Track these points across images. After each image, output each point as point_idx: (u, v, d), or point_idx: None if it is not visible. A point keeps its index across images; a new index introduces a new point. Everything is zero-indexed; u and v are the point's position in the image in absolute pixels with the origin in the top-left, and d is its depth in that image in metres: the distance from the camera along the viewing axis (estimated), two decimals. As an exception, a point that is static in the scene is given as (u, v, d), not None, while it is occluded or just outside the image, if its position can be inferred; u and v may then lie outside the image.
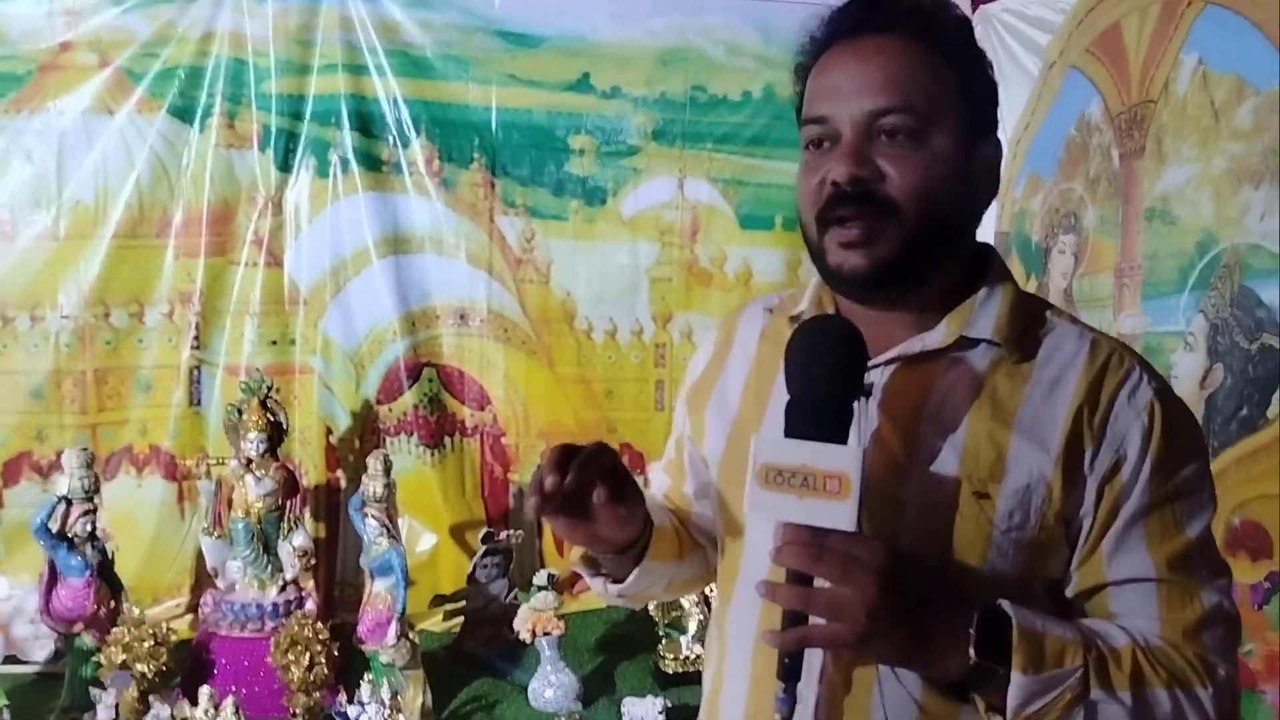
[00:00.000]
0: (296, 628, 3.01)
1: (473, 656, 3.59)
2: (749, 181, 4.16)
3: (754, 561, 1.01)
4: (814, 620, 0.83)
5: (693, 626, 3.54)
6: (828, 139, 0.96)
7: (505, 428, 4.08)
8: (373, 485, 3.26)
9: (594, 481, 0.98)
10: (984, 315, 0.97)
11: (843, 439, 0.86)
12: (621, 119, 4.02)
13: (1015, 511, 0.91)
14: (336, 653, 3.08)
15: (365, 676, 2.93)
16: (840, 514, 0.82)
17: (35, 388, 3.66)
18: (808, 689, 0.90)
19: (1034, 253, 3.51)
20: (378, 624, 3.23)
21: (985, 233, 3.41)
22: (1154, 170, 2.82)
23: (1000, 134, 3.30)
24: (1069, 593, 0.94)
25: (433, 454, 3.96)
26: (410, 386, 3.94)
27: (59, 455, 3.65)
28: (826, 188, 0.94)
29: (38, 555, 3.40)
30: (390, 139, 3.88)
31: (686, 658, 3.50)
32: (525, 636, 3.33)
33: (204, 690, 2.66)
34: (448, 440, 4.02)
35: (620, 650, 3.73)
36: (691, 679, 3.46)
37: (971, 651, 0.84)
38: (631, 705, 3.16)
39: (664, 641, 3.58)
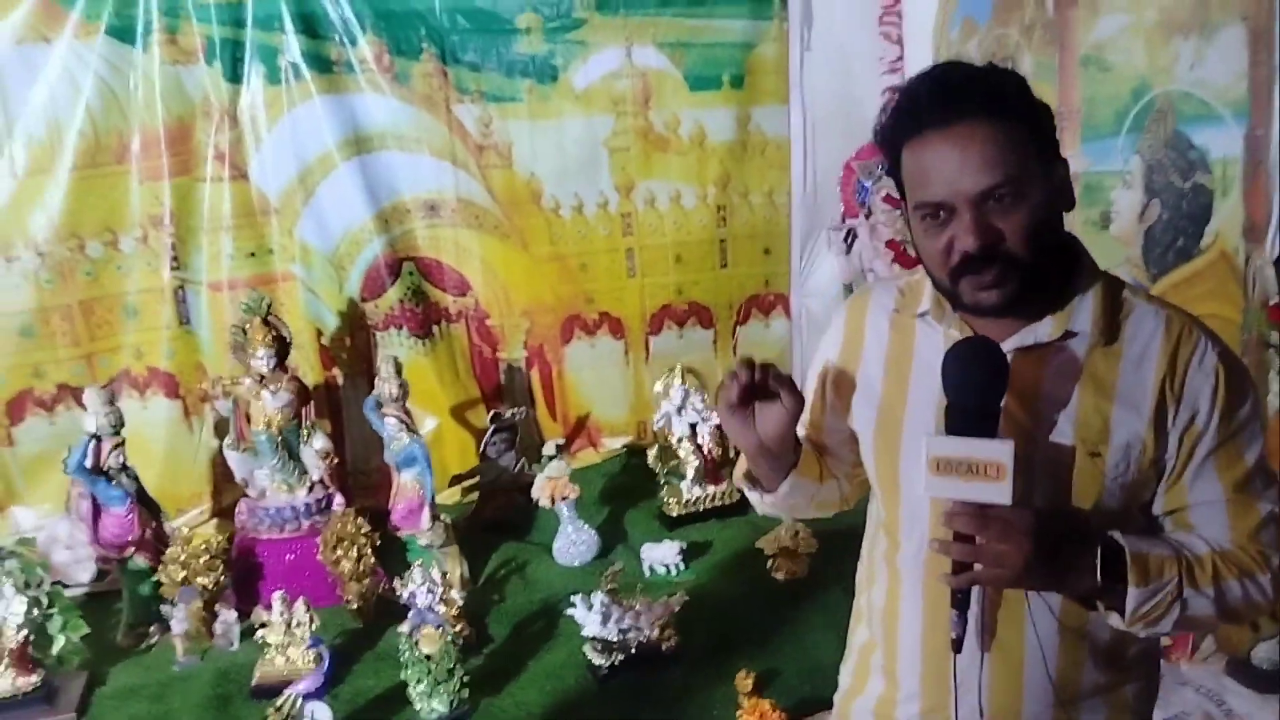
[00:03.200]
0: (340, 525, 3.26)
1: (490, 524, 3.90)
2: (694, 43, 4.23)
3: (911, 517, 1.28)
4: (978, 567, 1.12)
5: (690, 472, 3.88)
6: (943, 212, 1.14)
7: (488, 310, 4.25)
8: (387, 387, 3.46)
9: (768, 385, 1.24)
10: (1082, 311, 1.19)
11: (995, 434, 1.11)
12: (564, -8, 4.04)
13: (1120, 464, 1.17)
14: (378, 541, 3.34)
15: (415, 560, 3.19)
16: (999, 492, 1.08)
17: (24, 327, 3.71)
18: (972, 612, 1.19)
19: (973, 96, 3.71)
20: (410, 511, 3.50)
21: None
22: (1088, 20, 3.02)
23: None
24: (1156, 511, 1.23)
25: (423, 343, 4.13)
26: (392, 282, 4.06)
27: (60, 389, 3.79)
28: (956, 254, 1.14)
29: (57, 486, 3.58)
30: (337, 38, 3.84)
31: (688, 500, 3.87)
32: (545, 503, 3.65)
33: (277, 595, 2.90)
34: (435, 328, 4.19)
35: (623, 500, 4.08)
36: (693, 519, 3.85)
37: (1098, 575, 1.13)
38: (649, 550, 3.51)
39: (665, 488, 3.94)
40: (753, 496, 1.44)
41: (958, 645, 1.18)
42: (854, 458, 1.40)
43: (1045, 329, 1.18)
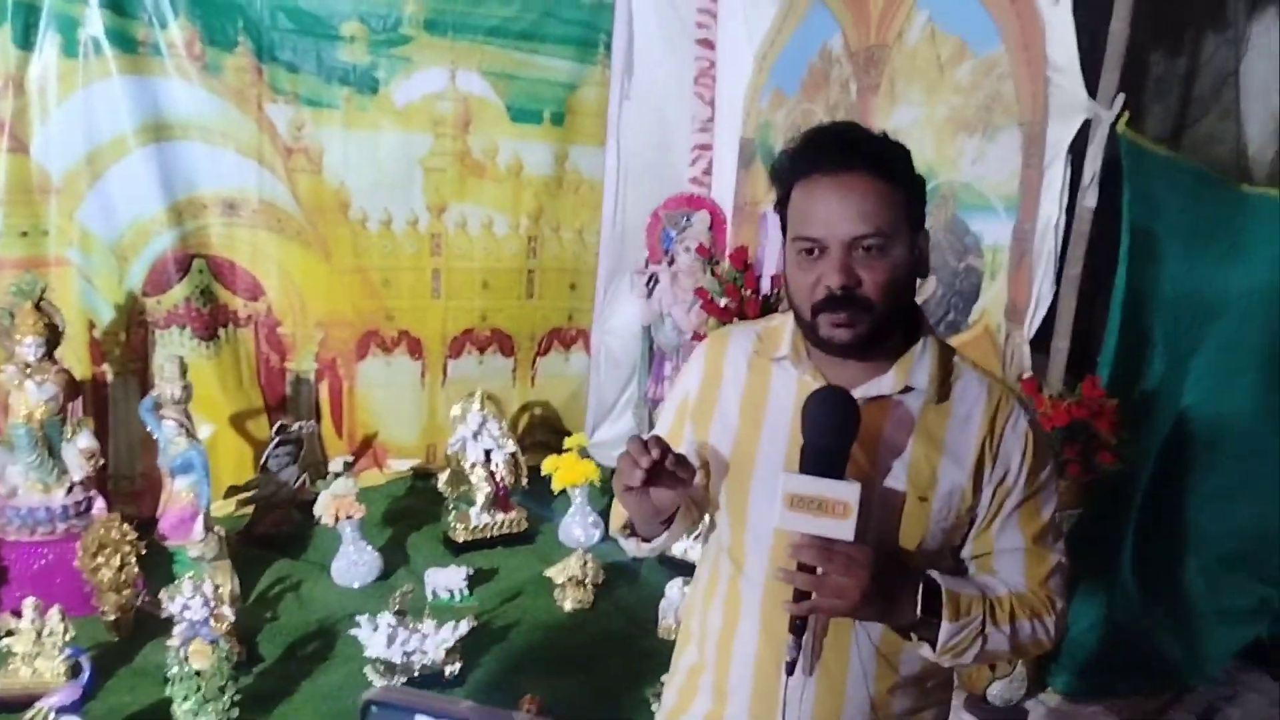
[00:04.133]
0: (103, 531, 3.04)
1: (265, 539, 3.74)
2: (519, 75, 4.29)
3: (757, 545, 1.36)
4: (816, 596, 1.20)
5: (481, 499, 3.87)
6: (817, 249, 1.25)
7: (281, 318, 4.10)
8: (169, 388, 3.27)
9: (666, 466, 1.25)
10: (920, 368, 1.32)
11: (843, 476, 1.21)
12: (394, 7, 4.00)
13: (943, 509, 1.30)
14: (143, 550, 3.13)
15: (183, 573, 3.02)
16: (844, 529, 1.18)
17: None
18: (806, 637, 1.28)
19: (778, 161, 3.97)
20: (182, 520, 3.32)
21: (731, 140, 3.84)
22: (886, 107, 3.32)
23: (749, 51, 3.71)
24: (964, 555, 1.37)
25: (207, 345, 3.93)
26: (180, 279, 3.85)
27: None
28: (821, 289, 1.24)
29: None
30: (146, 18, 3.64)
31: (476, 527, 3.86)
32: (328, 521, 3.53)
33: (28, 602, 2.67)
34: (221, 331, 3.99)
35: (407, 523, 4.02)
36: (480, 545, 3.84)
37: (918, 610, 1.25)
38: (434, 574, 3.46)
39: (453, 513, 3.90)
40: (629, 545, 1.49)
41: (791, 668, 1.27)
42: (702, 488, 1.47)
43: (888, 382, 1.31)
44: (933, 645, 1.27)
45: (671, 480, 1.25)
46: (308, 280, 4.12)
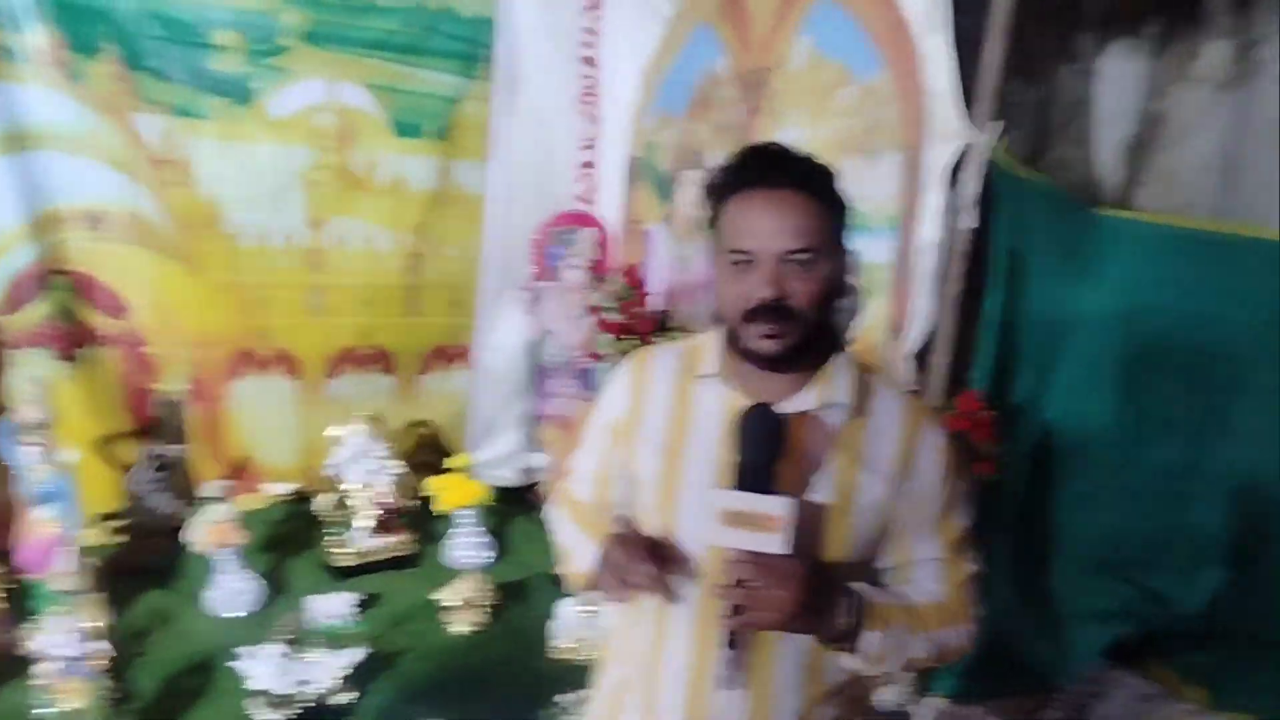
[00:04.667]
0: (-42, 567, 2.83)
1: (133, 569, 3.55)
2: (401, 89, 4.21)
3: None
4: (750, 611, 1.24)
5: (363, 522, 3.77)
6: (749, 263, 1.28)
7: (149, 337, 3.90)
8: (30, 411, 3.06)
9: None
10: (839, 384, 1.36)
11: (773, 491, 1.24)
12: (269, 17, 3.87)
13: (863, 522, 1.35)
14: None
15: (45, 607, 2.84)
16: (776, 543, 1.22)
17: None
18: (737, 651, 1.30)
19: (663, 181, 4.02)
20: (44, 551, 3.10)
21: (616, 158, 3.87)
22: (771, 128, 3.40)
23: (633, 70, 3.75)
24: (882, 565, 1.41)
25: (69, 366, 3.71)
26: (38, 296, 3.63)
27: None
28: (751, 300, 1.28)
29: None
30: (4, 22, 3.42)
31: (360, 551, 3.75)
32: (204, 548, 3.38)
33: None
34: (84, 351, 3.78)
35: (284, 549, 3.88)
36: (364, 570, 3.74)
37: (845, 620, 1.29)
38: (318, 601, 3.35)
39: (335, 537, 3.78)
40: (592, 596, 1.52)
41: (725, 681, 1.29)
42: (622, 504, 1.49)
43: (809, 398, 1.34)
44: (857, 655, 1.31)
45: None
46: (177, 297, 3.94)
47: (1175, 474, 3.04)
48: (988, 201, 2.82)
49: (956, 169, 2.77)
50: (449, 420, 4.73)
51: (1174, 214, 3.46)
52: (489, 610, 3.38)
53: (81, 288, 3.76)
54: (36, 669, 2.70)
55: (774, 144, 1.36)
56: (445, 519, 3.99)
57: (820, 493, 1.33)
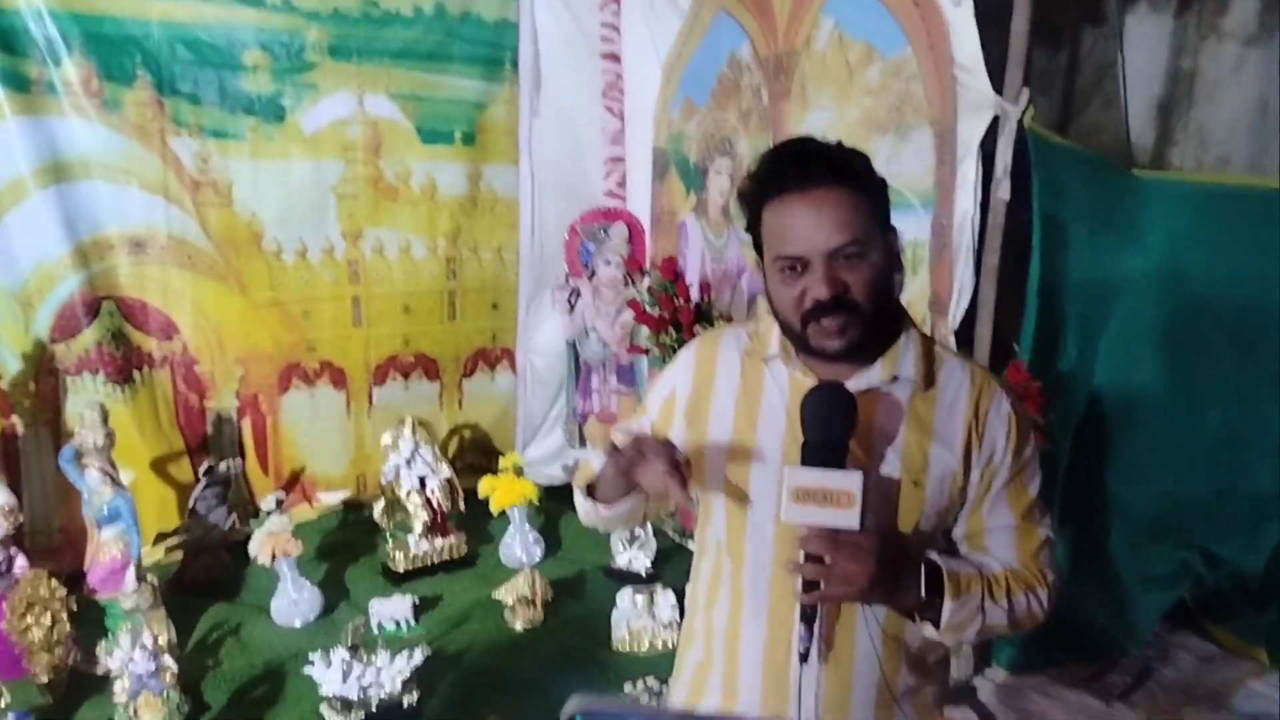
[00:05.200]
0: (30, 589, 2.91)
1: (196, 585, 3.63)
2: (427, 97, 4.26)
3: (759, 540, 1.39)
4: (825, 585, 1.24)
5: (418, 526, 3.83)
6: (800, 265, 1.29)
7: (198, 356, 3.98)
8: (91, 436, 3.16)
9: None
10: (906, 359, 1.37)
11: (844, 467, 1.25)
12: (296, 34, 3.92)
13: (936, 493, 1.35)
14: (75, 606, 3.02)
15: (123, 626, 2.91)
16: (850, 518, 1.22)
17: None
18: (816, 625, 1.31)
19: (692, 171, 4.03)
20: (112, 572, 3.20)
21: (643, 151, 3.89)
22: (798, 112, 3.41)
23: (655, 62, 3.76)
24: (956, 535, 1.43)
25: (122, 390, 3.79)
26: (89, 322, 3.71)
27: None
28: (808, 301, 1.28)
29: None
30: (38, 56, 3.50)
31: (416, 555, 3.81)
32: (264, 560, 3.44)
33: (-45, 672, 2.55)
34: (136, 374, 3.86)
35: (343, 556, 3.95)
36: (420, 573, 3.79)
37: (922, 591, 1.30)
38: (379, 605, 3.41)
39: (391, 542, 3.85)
40: (585, 505, 1.50)
41: (805, 656, 1.30)
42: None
43: (876, 374, 1.35)
44: (935, 624, 1.32)
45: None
46: (224, 316, 4.01)
47: (1228, 435, 3.00)
48: (1022, 171, 2.81)
49: (990, 140, 2.76)
50: (494, 422, 4.77)
51: (1210, 172, 3.43)
52: (547, 606, 3.41)
53: (131, 312, 3.84)
54: (114, 687, 2.77)
55: (801, 139, 1.35)
56: (497, 519, 4.06)
57: (891, 466, 1.34)
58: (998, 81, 2.71)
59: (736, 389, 1.44)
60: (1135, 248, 3.06)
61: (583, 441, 4.73)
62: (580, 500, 1.52)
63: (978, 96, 2.71)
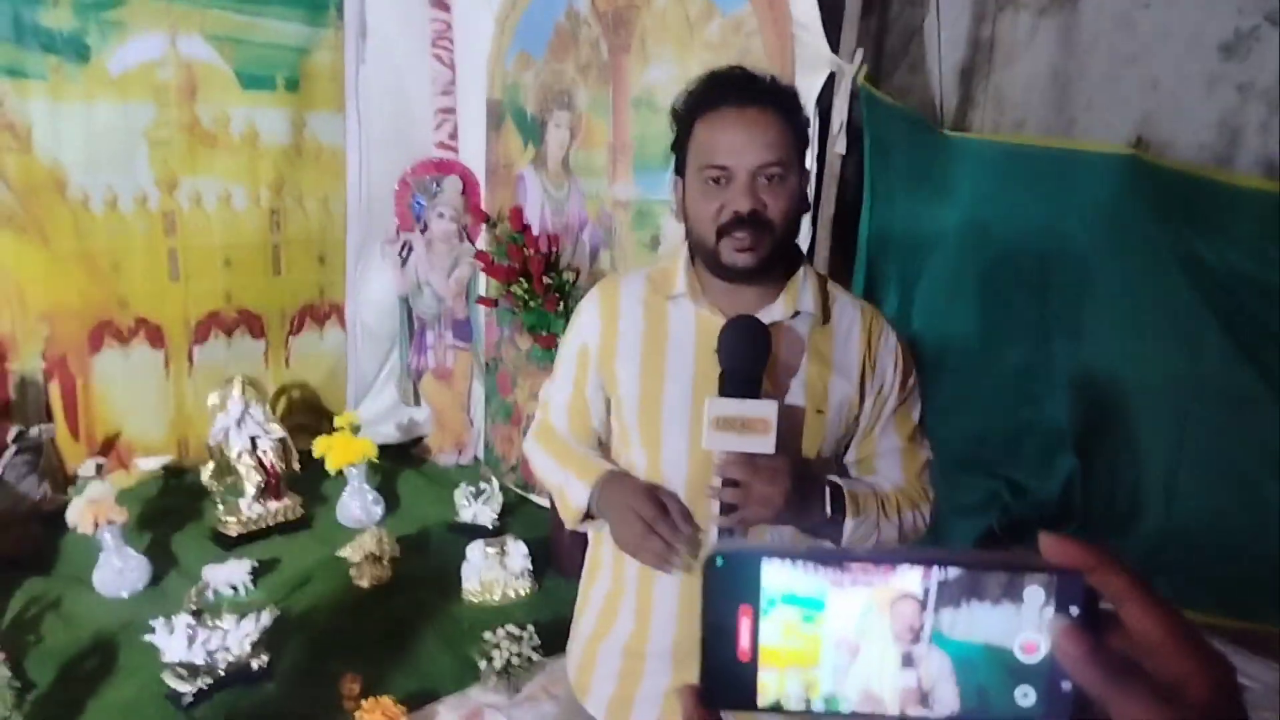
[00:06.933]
0: None
1: (6, 560, 3.38)
2: (246, 40, 4.03)
3: (673, 471, 1.45)
4: (743, 508, 1.31)
5: (251, 489, 3.70)
6: (724, 178, 1.33)
7: (-4, 314, 3.68)
8: (-119, 400, 2.86)
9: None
10: (805, 294, 1.43)
11: (759, 396, 1.30)
12: (101, -33, 3.64)
13: (836, 420, 1.43)
14: None
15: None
16: (766, 444, 1.28)
17: None
18: None
19: (530, 124, 4.00)
20: (-89, 548, 2.93)
21: (476, 103, 3.87)
22: (639, 66, 3.45)
23: (487, 13, 3.73)
24: (848, 459, 1.52)
25: (-92, 351, 3.47)
26: None
27: None
28: (727, 213, 1.33)
29: None
30: None
31: (249, 519, 3.68)
32: (85, 529, 3.24)
33: None
34: (-75, 334, 3.53)
35: (167, 523, 3.76)
36: (253, 537, 3.67)
37: (827, 510, 1.38)
38: (213, 571, 3.28)
39: (221, 506, 3.70)
40: (581, 527, 1.56)
41: None
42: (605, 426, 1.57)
43: (780, 308, 1.42)
44: (836, 541, 1.42)
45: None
46: (24, 269, 3.70)
47: (1025, 375, 3.30)
48: (853, 128, 2.97)
49: (824, 97, 2.90)
50: (323, 380, 4.64)
51: (1008, 133, 3.73)
52: (393, 563, 3.38)
53: (-84, 266, 3.50)
54: (-77, 669, 2.57)
55: (738, 67, 1.41)
56: (331, 480, 3.97)
57: (796, 396, 1.42)
58: (832, 41, 2.85)
59: (641, 331, 1.48)
60: (948, 202, 3.30)
61: (417, 400, 4.68)
62: (572, 524, 1.56)
63: (815, 54, 2.84)
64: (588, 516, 1.52)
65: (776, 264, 1.41)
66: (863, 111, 2.93)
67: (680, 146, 1.43)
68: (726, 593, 0.50)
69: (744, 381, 1.32)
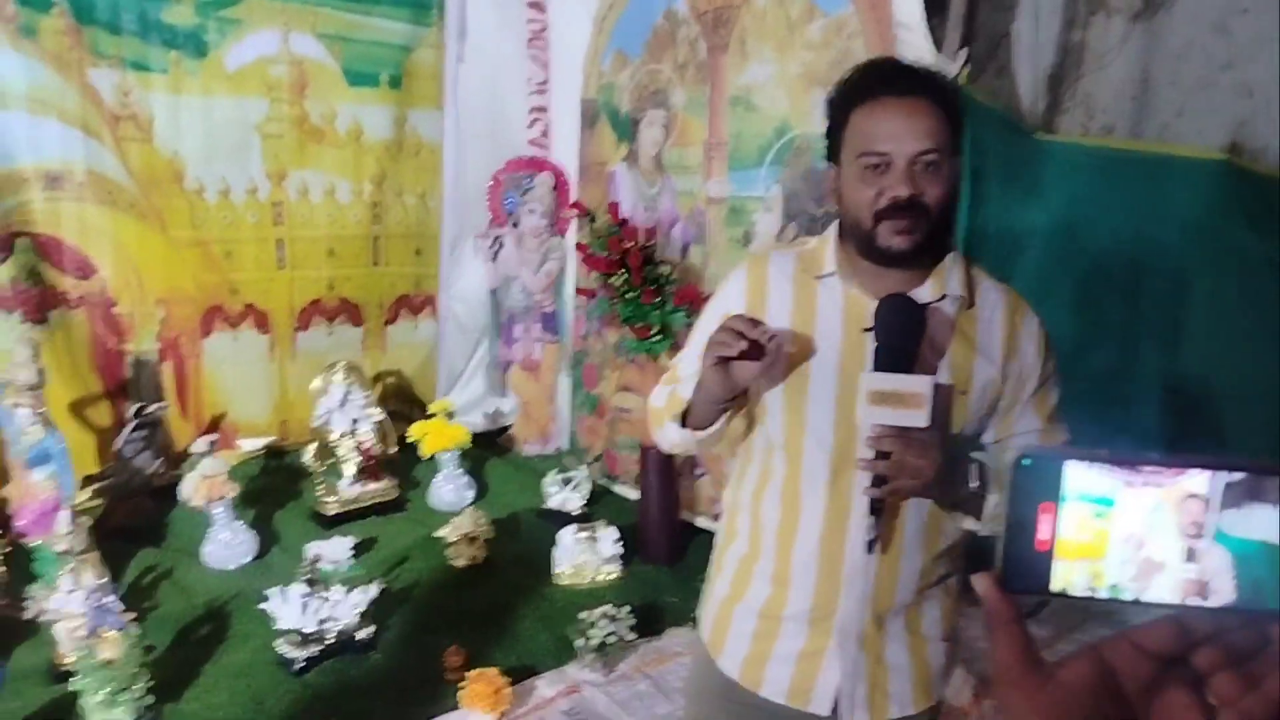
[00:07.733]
0: (-40, 532, 2.83)
1: (121, 530, 3.55)
2: (353, 38, 4.19)
3: (817, 445, 1.51)
4: (894, 480, 1.38)
5: (350, 470, 3.84)
6: (883, 165, 1.39)
7: (117, 297, 3.85)
8: (21, 373, 3.05)
9: (764, 345, 1.39)
10: (952, 278, 1.49)
11: (913, 371, 1.38)
12: (220, -34, 3.82)
13: (978, 400, 1.49)
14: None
15: (62, 567, 2.85)
16: (920, 418, 1.35)
17: None
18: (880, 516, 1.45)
19: (623, 122, 4.10)
20: (43, 514, 3.11)
21: (569, 102, 3.97)
22: (738, 65, 3.52)
23: (583, 13, 3.83)
24: (985, 439, 1.56)
25: (37, 330, 3.64)
26: (3, 259, 3.55)
27: None
28: (885, 199, 1.39)
29: None
30: (-52, -23, 3.32)
31: (347, 499, 3.82)
32: (198, 503, 3.41)
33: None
34: (52, 314, 3.71)
35: (268, 502, 3.92)
36: (351, 517, 3.81)
37: (970, 485, 1.44)
38: (316, 546, 3.41)
39: (321, 486, 3.84)
40: (678, 434, 1.59)
41: (871, 546, 1.44)
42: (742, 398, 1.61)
43: (928, 291, 1.48)
44: (976, 516, 1.47)
45: (759, 354, 1.40)
46: (144, 255, 3.89)
47: (1114, 377, 3.30)
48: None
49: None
50: (416, 369, 4.78)
51: (1096, 137, 3.72)
52: (487, 545, 3.49)
53: (47, 249, 3.69)
54: (57, 629, 2.72)
55: (891, 58, 1.48)
56: (423, 465, 4.10)
57: (942, 376, 1.47)
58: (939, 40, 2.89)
59: (790, 307, 1.55)
60: (1039, 204, 3.31)
61: (504, 390, 4.79)
62: (671, 430, 1.61)
63: (918, 54, 2.88)
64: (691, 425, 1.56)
65: (929, 248, 1.46)
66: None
67: (835, 135, 1.48)
68: (1030, 490, 0.55)
69: (899, 357, 1.38)
